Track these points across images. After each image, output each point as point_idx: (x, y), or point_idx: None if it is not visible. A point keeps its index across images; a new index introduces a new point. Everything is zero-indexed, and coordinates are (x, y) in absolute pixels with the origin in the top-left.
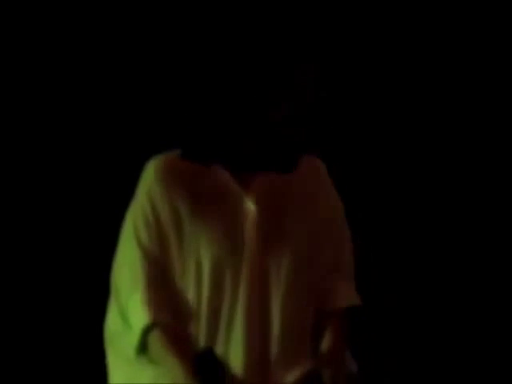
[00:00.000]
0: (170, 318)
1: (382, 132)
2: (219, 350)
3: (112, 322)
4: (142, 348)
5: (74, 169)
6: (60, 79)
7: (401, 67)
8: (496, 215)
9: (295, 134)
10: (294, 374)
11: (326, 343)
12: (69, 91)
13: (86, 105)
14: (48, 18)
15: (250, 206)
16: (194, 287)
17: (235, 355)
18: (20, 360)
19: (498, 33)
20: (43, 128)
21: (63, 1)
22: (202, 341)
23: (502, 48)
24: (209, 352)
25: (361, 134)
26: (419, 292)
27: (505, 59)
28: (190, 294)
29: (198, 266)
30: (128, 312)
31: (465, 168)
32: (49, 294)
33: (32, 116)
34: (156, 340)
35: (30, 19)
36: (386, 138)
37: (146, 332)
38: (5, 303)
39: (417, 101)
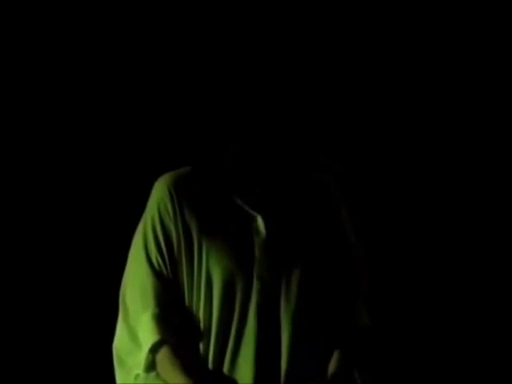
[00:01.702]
0: (179, 337)
1: (382, 136)
2: (228, 367)
3: (121, 340)
4: (151, 366)
5: (82, 182)
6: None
7: (401, 70)
8: (496, 216)
9: (305, 151)
10: None
11: (334, 362)
12: (74, 98)
13: (97, 117)
14: (58, 19)
15: (260, 225)
16: (204, 305)
17: (244, 372)
18: (23, 367)
19: (498, 33)
20: (54, 141)
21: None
22: (210, 358)
23: (502, 48)
24: (218, 372)
25: (362, 138)
26: (419, 294)
27: (505, 59)
28: (200, 312)
29: (208, 283)
30: (137, 330)
31: (465, 170)
32: (54, 309)
33: (44, 123)
34: (164, 358)
35: (30, 19)
36: (386, 142)
37: (155, 350)
38: (11, 319)
39: (417, 103)
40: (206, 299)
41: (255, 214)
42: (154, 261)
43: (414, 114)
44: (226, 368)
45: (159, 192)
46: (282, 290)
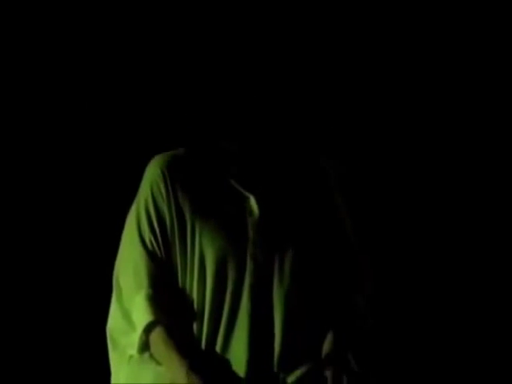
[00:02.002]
0: (173, 317)
1: (382, 135)
2: (221, 348)
3: (114, 321)
4: (145, 347)
5: (74, 166)
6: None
7: (401, 70)
8: (496, 216)
9: (303, 135)
10: (295, 374)
11: (328, 343)
12: (68, 92)
13: (88, 104)
14: (58, 19)
15: (253, 205)
16: (198, 285)
17: (238, 353)
18: (20, 360)
19: (498, 33)
20: (45, 128)
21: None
22: (204, 339)
23: (502, 48)
24: (211, 352)
25: (361, 138)
26: (419, 297)
27: (505, 59)
28: (193, 293)
29: (201, 263)
30: (131, 311)
31: (465, 170)
32: (49, 292)
33: (36, 119)
34: (158, 338)
35: (30, 19)
36: (386, 141)
37: (149, 330)
38: (5, 302)
39: (417, 103)
40: (199, 280)
41: (248, 194)
42: (147, 241)
43: (414, 113)
44: (218, 348)
45: (152, 173)
46: (275, 270)
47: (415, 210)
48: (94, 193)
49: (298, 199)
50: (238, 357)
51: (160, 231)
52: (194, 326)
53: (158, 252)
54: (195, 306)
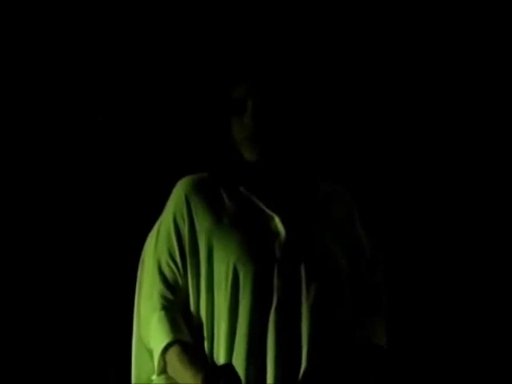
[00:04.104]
0: (188, 335)
1: (384, 139)
2: (246, 365)
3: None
4: (163, 370)
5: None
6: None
7: (401, 73)
8: (497, 217)
9: (316, 159)
10: None
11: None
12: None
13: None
14: (58, 19)
15: (278, 225)
16: (229, 306)
17: (264, 371)
18: (20, 360)
19: (498, 33)
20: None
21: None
22: (227, 357)
23: (502, 48)
24: (228, 365)
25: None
26: (419, 299)
27: (505, 59)
28: (222, 312)
29: (233, 284)
30: (148, 336)
31: (465, 170)
32: (49, 292)
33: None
34: (173, 356)
35: (31, 19)
36: (387, 145)
37: (165, 352)
38: (5, 302)
39: (417, 105)
40: (230, 300)
41: (272, 213)
42: (163, 266)
43: (414, 116)
44: (243, 366)
45: (176, 196)
46: (302, 289)
47: (416, 214)
48: (119, 213)
49: (319, 219)
50: (265, 372)
51: (180, 254)
52: (222, 344)
53: (173, 275)
54: (222, 324)
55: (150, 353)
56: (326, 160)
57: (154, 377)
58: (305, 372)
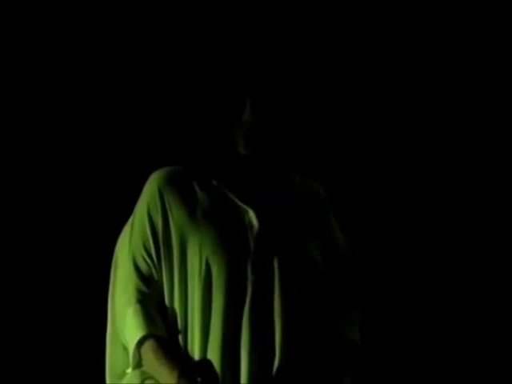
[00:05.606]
0: (163, 330)
1: (381, 139)
2: (221, 358)
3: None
4: (138, 364)
5: (79, 173)
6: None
7: (400, 74)
8: (497, 217)
9: (294, 153)
10: None
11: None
12: (70, 96)
13: (92, 112)
14: (58, 19)
15: (252, 219)
16: (202, 298)
17: (239, 363)
18: (20, 360)
19: (498, 33)
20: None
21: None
22: (202, 350)
23: (502, 48)
24: (205, 361)
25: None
26: (419, 300)
27: (505, 59)
28: (195, 306)
29: (206, 277)
30: (123, 328)
31: (465, 171)
32: (49, 293)
33: (42, 125)
34: (148, 350)
35: (30, 19)
36: (384, 144)
37: (140, 346)
38: (5, 302)
39: (417, 106)
40: (203, 293)
41: (246, 207)
42: (137, 259)
43: (411, 115)
44: (218, 359)
45: (149, 189)
46: (275, 281)
47: (413, 213)
48: (94, 205)
49: (294, 213)
50: (239, 367)
51: (154, 247)
52: (196, 338)
53: (148, 268)
54: (196, 317)
55: (125, 346)
56: (322, 157)
57: (129, 370)
58: (279, 367)
